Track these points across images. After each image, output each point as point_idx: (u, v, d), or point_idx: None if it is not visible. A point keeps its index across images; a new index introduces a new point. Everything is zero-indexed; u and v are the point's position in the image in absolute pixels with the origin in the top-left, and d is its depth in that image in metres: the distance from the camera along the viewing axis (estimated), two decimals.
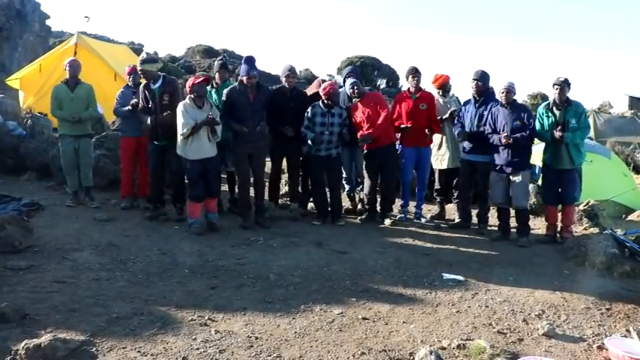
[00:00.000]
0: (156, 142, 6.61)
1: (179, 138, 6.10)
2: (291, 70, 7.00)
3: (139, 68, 6.65)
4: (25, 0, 19.22)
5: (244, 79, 6.44)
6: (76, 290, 4.33)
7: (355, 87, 6.95)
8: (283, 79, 7.01)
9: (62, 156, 7.15)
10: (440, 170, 7.45)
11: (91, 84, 7.41)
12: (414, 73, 7.21)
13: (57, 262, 4.95)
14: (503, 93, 6.42)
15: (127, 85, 7.30)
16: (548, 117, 6.45)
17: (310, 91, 7.36)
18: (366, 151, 7.08)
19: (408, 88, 7.34)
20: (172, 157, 6.46)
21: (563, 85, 6.35)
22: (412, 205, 7.61)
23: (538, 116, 6.59)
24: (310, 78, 22.51)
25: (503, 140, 6.31)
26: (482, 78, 6.78)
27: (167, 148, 6.50)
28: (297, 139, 6.82)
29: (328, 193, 7.10)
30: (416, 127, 7.10)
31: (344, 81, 7.49)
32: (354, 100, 7.01)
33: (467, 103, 6.96)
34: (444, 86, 7.39)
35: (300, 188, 7.41)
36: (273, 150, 7.12)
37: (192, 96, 6.10)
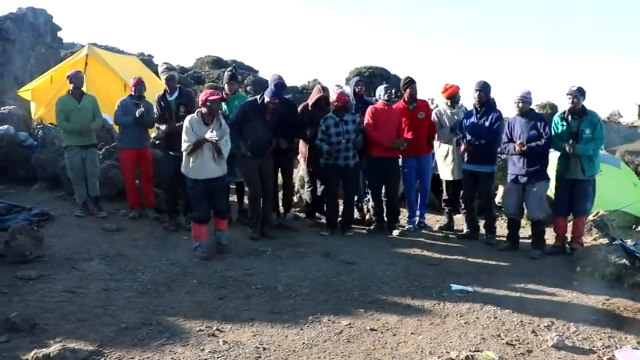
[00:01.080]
0: (172, 153, 6.65)
1: (183, 154, 5.88)
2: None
3: (166, 76, 6.71)
4: (37, 12, 19.49)
5: (266, 99, 6.37)
6: (85, 300, 4.36)
7: (389, 91, 7.08)
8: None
9: (69, 167, 7.20)
10: (447, 181, 7.44)
11: (94, 95, 7.52)
12: (410, 84, 7.25)
13: (66, 272, 4.99)
14: (518, 103, 6.40)
15: (130, 94, 7.33)
16: (562, 126, 6.42)
17: (311, 99, 7.36)
18: (369, 162, 7.11)
19: (404, 98, 7.36)
20: None
21: (577, 94, 6.28)
22: (417, 215, 7.61)
23: (553, 125, 6.56)
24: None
25: (517, 148, 6.27)
26: (484, 88, 6.80)
27: (182, 158, 6.55)
28: (288, 149, 6.92)
29: (342, 204, 7.13)
30: (417, 137, 7.14)
31: (353, 91, 7.52)
32: (381, 103, 7.07)
33: (469, 113, 6.98)
34: (454, 97, 7.35)
35: (308, 199, 7.44)
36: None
37: (203, 110, 5.79)
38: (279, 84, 6.48)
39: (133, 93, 7.27)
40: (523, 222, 6.89)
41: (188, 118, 5.84)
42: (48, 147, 8.98)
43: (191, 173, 5.84)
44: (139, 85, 7.25)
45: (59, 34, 21.19)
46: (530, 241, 6.72)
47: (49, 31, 20.19)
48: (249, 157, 6.47)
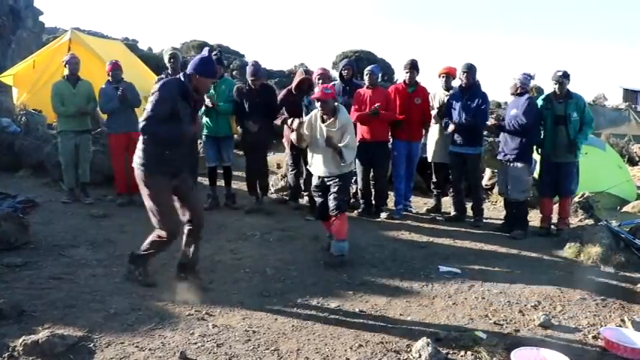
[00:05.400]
0: None
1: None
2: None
3: (170, 53, 6.81)
4: None
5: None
6: (73, 286, 4.33)
7: (371, 74, 7.04)
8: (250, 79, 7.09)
9: (62, 152, 7.13)
10: (437, 164, 7.45)
11: (89, 81, 7.44)
12: (411, 67, 7.20)
13: (53, 259, 4.95)
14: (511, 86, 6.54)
15: (109, 81, 7.28)
16: (547, 109, 6.45)
17: (294, 82, 7.36)
18: (357, 145, 7.08)
19: (404, 80, 7.34)
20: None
21: (562, 79, 6.35)
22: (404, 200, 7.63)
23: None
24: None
25: (490, 122, 6.71)
26: (470, 70, 6.82)
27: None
28: (262, 134, 7.06)
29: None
30: (409, 121, 7.13)
31: (340, 74, 7.47)
32: (365, 87, 7.05)
33: (454, 95, 6.99)
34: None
35: (292, 182, 7.51)
36: (244, 145, 7.40)
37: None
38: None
39: (110, 79, 7.23)
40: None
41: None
42: (32, 133, 8.88)
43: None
44: (116, 70, 7.23)
45: (41, 18, 20.81)
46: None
47: (30, 15, 19.81)
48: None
